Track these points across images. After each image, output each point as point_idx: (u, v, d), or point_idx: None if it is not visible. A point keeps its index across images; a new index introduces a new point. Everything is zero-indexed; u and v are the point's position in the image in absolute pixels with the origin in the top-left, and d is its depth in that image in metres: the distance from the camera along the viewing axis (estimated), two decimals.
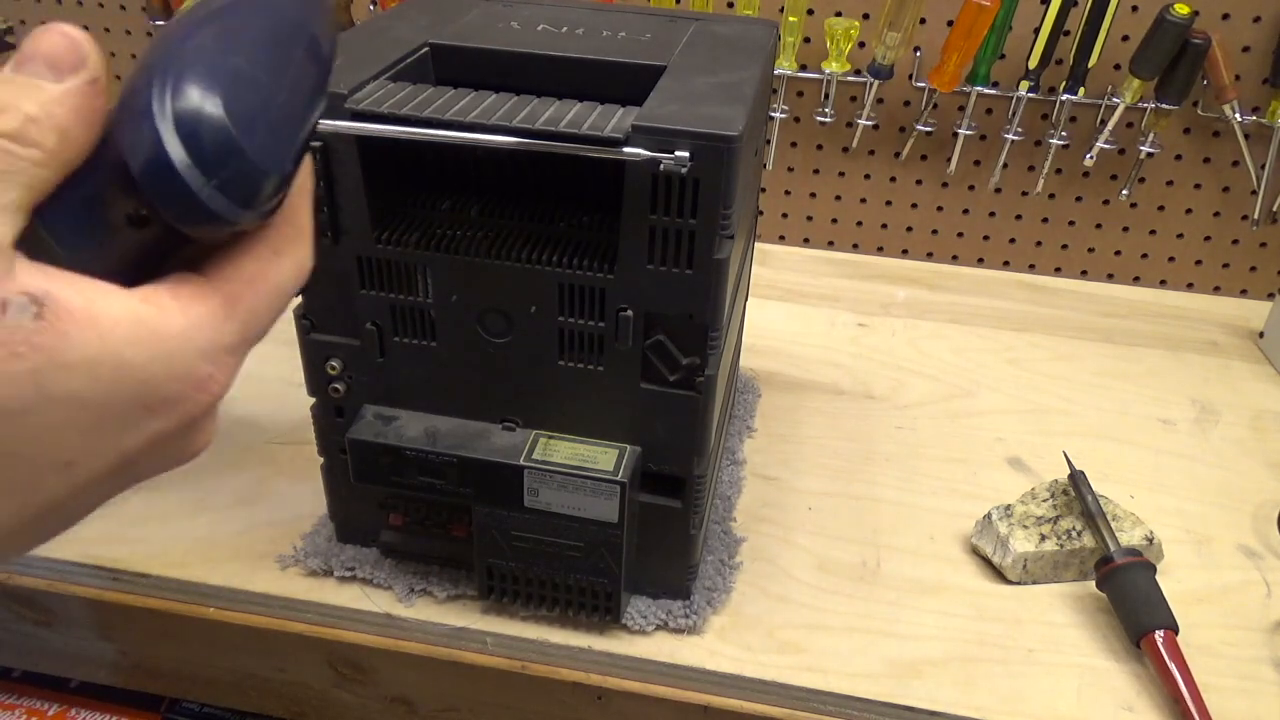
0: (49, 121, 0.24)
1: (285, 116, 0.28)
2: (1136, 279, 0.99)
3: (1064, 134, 0.90)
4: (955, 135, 0.92)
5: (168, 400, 0.26)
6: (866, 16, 0.90)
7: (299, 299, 0.52)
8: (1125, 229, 0.97)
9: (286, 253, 0.29)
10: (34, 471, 0.25)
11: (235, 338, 0.27)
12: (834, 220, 1.01)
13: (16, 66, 0.24)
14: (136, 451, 0.26)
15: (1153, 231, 0.97)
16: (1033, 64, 0.87)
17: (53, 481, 0.25)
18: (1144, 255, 0.98)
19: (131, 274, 0.26)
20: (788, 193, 1.00)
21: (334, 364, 0.53)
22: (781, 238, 1.03)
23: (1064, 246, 0.99)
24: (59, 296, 0.24)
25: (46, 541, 0.27)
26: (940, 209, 0.99)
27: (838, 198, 1.00)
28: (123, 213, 0.26)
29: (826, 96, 0.93)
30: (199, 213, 0.25)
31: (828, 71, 0.90)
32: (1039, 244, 0.99)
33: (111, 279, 0.25)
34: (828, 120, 0.94)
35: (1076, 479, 0.62)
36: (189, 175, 0.25)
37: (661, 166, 0.43)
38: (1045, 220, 0.98)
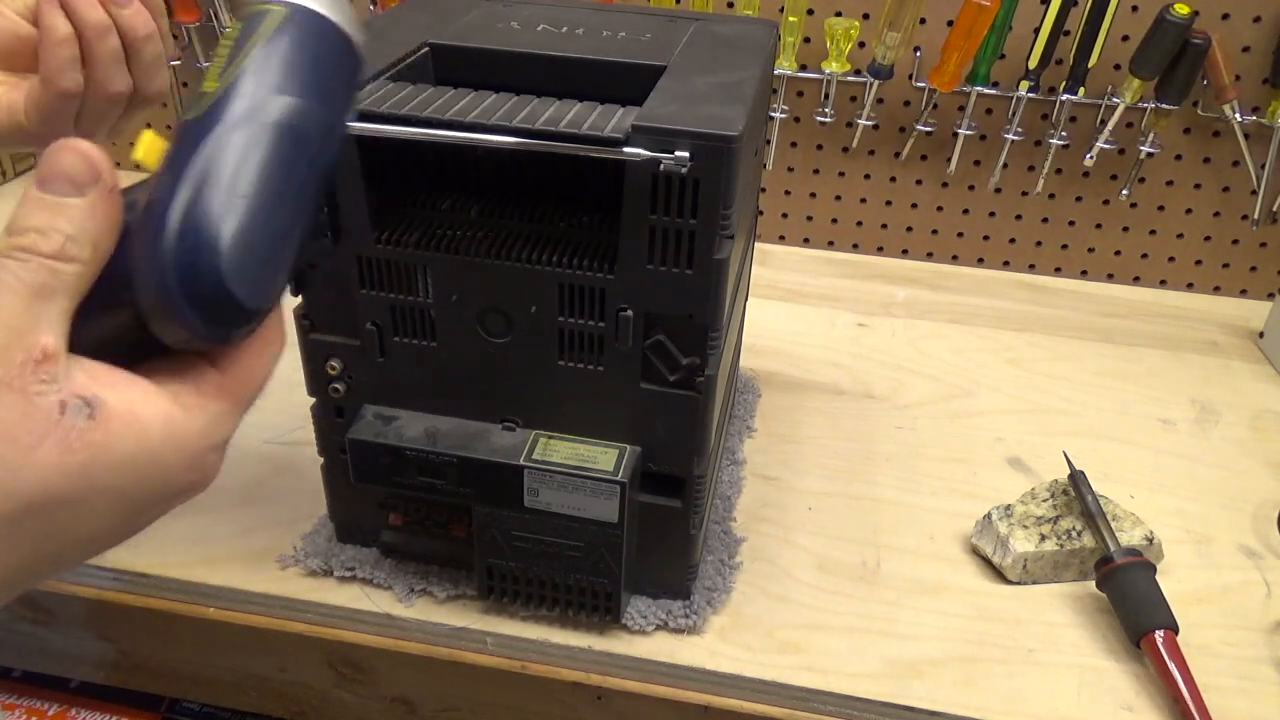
0: (83, 237, 0.27)
1: (280, 258, 0.30)
2: (1136, 279, 0.99)
3: (1064, 134, 0.90)
4: (955, 135, 0.92)
5: (183, 486, 0.30)
6: (866, 16, 0.90)
7: (299, 299, 0.52)
8: (1125, 229, 0.97)
9: (275, 341, 0.32)
10: (62, 547, 0.28)
11: (235, 427, 0.31)
12: (834, 220, 1.01)
13: (41, 185, 0.27)
14: (146, 523, 0.30)
15: (1153, 231, 0.97)
16: (1033, 64, 0.87)
17: (73, 554, 0.28)
18: (1144, 255, 0.98)
19: (143, 357, 0.29)
20: (788, 193, 1.00)
21: (334, 364, 0.53)
22: (781, 238, 1.03)
23: (1064, 246, 0.99)
24: (106, 399, 0.27)
25: None
26: (940, 209, 0.99)
27: (838, 198, 1.00)
28: (132, 315, 0.28)
29: (826, 96, 0.93)
30: (192, 340, 0.29)
31: (828, 71, 0.90)
32: (1039, 244, 0.99)
33: (125, 361, 0.29)
34: (828, 120, 0.94)
35: (1076, 479, 0.62)
36: (185, 316, 0.28)
37: (661, 166, 0.43)
38: (1045, 220, 0.98)
